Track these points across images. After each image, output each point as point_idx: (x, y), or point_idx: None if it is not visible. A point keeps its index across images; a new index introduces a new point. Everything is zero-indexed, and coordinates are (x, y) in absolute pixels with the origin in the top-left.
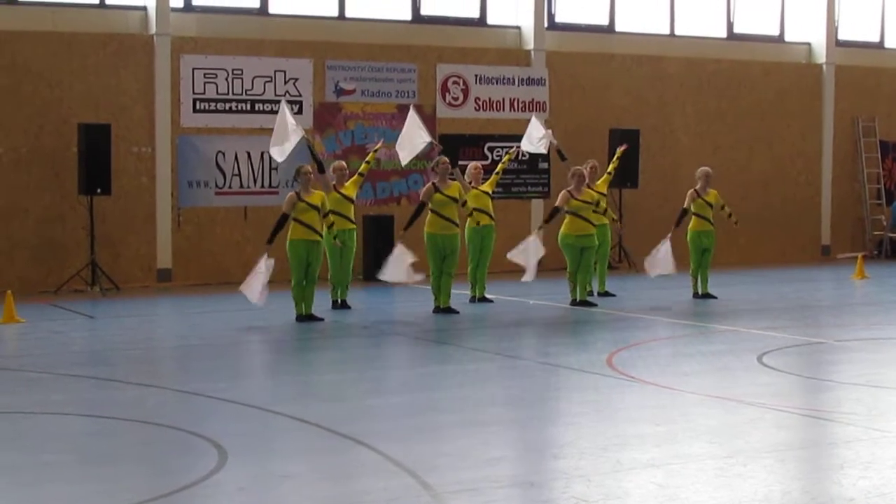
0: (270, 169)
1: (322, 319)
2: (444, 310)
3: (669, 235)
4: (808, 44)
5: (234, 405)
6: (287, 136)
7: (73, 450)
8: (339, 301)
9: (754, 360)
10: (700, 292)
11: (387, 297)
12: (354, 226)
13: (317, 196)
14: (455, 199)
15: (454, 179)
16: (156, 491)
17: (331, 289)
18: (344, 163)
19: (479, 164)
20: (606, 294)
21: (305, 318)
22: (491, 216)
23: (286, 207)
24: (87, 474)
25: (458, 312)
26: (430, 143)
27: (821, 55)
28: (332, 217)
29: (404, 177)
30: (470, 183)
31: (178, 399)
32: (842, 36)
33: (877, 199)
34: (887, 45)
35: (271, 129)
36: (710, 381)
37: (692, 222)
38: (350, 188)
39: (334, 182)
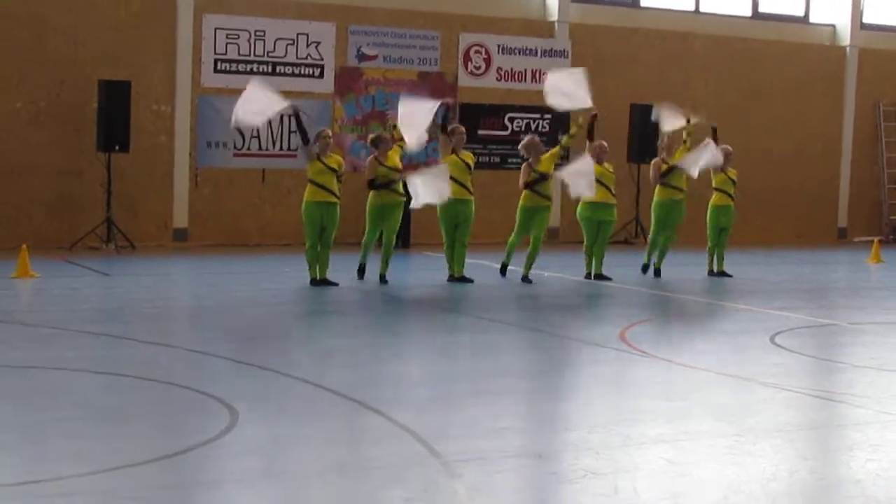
0: (290, 132)
1: (336, 284)
2: (458, 279)
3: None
4: (833, 26)
5: (246, 367)
6: (263, 109)
7: (83, 406)
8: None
9: (767, 339)
10: (716, 270)
11: (401, 264)
12: (337, 200)
13: (334, 160)
14: (468, 165)
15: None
16: (164, 450)
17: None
18: (329, 130)
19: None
20: (601, 276)
21: (320, 282)
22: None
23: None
24: (96, 431)
25: (472, 281)
26: (441, 107)
27: (845, 38)
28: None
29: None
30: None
31: (190, 359)
32: (867, 19)
33: (895, 184)
34: None
35: (292, 92)
36: (723, 359)
37: (713, 197)
38: (392, 157)
39: (317, 151)
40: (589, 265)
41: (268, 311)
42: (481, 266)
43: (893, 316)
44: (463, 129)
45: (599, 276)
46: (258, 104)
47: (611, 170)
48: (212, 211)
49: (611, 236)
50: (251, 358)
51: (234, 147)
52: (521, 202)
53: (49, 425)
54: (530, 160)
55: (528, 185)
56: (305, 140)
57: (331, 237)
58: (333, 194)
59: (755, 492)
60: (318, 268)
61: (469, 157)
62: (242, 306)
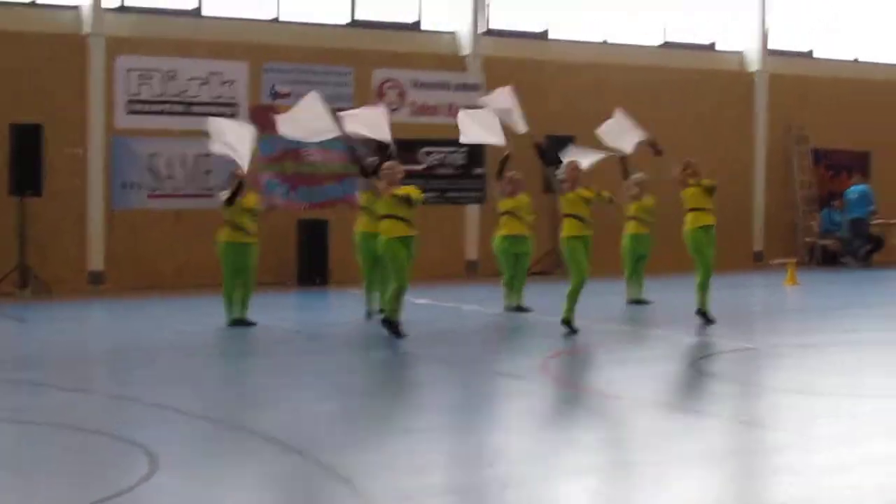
0: (204, 172)
1: (254, 324)
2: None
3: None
4: (741, 52)
5: (166, 411)
6: (313, 129)
7: None
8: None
9: (688, 366)
10: (635, 298)
11: (321, 302)
12: (253, 240)
13: (250, 198)
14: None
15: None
16: (82, 499)
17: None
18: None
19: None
20: (521, 308)
21: (238, 322)
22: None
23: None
24: (10, 483)
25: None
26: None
27: (753, 63)
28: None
29: (339, 181)
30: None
31: (109, 405)
32: (773, 45)
33: (808, 206)
34: (817, 54)
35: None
36: (645, 386)
37: (628, 225)
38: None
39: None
40: (507, 297)
41: (187, 353)
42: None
43: (812, 338)
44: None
45: (519, 308)
46: (308, 123)
47: (525, 202)
48: (128, 253)
49: (529, 268)
50: (171, 402)
51: (149, 188)
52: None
53: None
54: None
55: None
56: (364, 172)
57: (248, 277)
58: (250, 234)
59: None
60: (236, 308)
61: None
62: (161, 349)
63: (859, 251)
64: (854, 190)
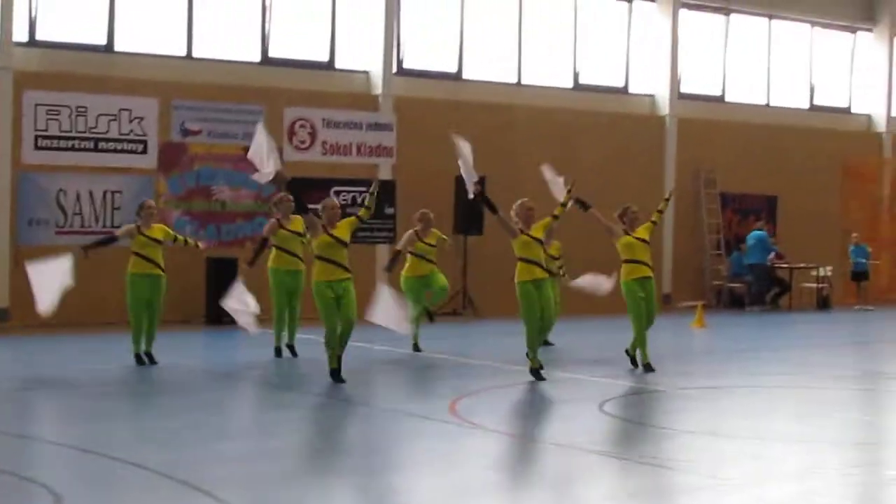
0: (112, 208)
1: (156, 363)
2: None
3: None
4: (652, 96)
5: (70, 450)
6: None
7: None
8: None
9: (595, 407)
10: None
11: (228, 341)
12: (162, 273)
13: (158, 230)
14: (300, 234)
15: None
16: None
17: (280, 334)
18: (152, 201)
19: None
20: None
21: (145, 356)
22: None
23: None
24: None
25: (296, 355)
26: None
27: (664, 107)
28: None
29: (249, 219)
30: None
31: (12, 444)
32: (684, 89)
33: (717, 250)
34: (728, 98)
35: (115, 168)
36: (552, 428)
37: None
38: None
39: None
40: (416, 337)
41: (93, 391)
42: (309, 340)
43: (719, 381)
44: (290, 197)
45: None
46: (260, 155)
47: (433, 242)
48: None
49: (435, 308)
50: (76, 441)
51: (57, 224)
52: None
53: None
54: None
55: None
56: (302, 210)
57: (156, 311)
58: (158, 266)
59: None
60: (143, 342)
61: (297, 225)
62: (66, 387)
63: (764, 297)
64: (752, 235)
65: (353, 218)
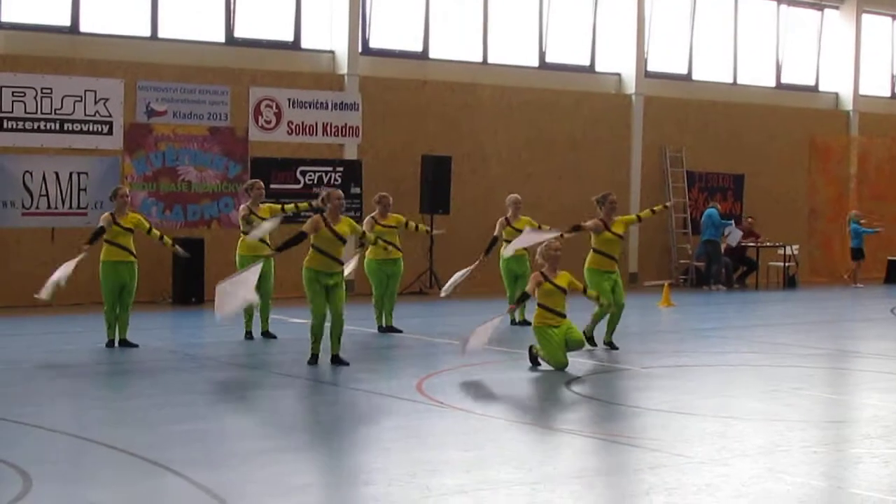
0: (79, 190)
1: (136, 346)
2: (253, 334)
3: (475, 265)
4: (619, 74)
5: (39, 430)
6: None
7: None
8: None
9: (562, 386)
10: (517, 320)
11: (196, 321)
12: (135, 259)
13: (131, 219)
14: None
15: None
16: None
17: (251, 318)
18: (126, 189)
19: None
20: (391, 329)
21: (120, 343)
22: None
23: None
24: None
25: (275, 337)
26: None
27: (630, 86)
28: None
29: (216, 200)
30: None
31: None
32: (651, 67)
33: (683, 228)
34: (695, 76)
35: (81, 150)
36: (519, 407)
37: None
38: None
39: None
40: (379, 318)
41: (61, 373)
42: (276, 321)
43: (685, 359)
44: (260, 183)
45: (390, 328)
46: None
47: (392, 224)
48: (1, 271)
49: (401, 288)
50: (44, 421)
51: (23, 206)
52: None
53: None
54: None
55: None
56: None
57: (129, 297)
58: (131, 253)
59: None
60: (117, 328)
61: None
62: (35, 369)
63: (720, 274)
64: (704, 213)
65: (356, 224)
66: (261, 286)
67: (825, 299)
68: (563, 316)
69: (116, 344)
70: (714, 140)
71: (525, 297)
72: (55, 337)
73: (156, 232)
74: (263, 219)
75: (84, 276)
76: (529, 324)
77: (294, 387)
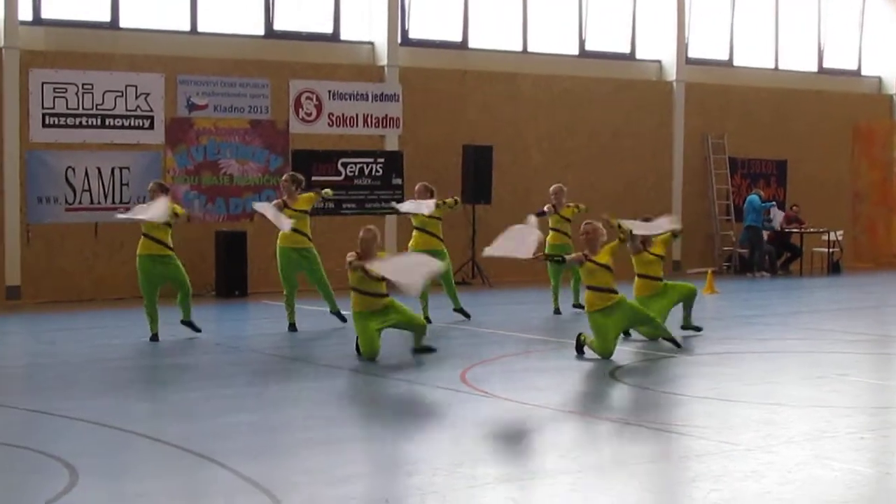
0: (121, 184)
1: (199, 330)
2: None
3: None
4: (659, 61)
5: (85, 424)
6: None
7: None
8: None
9: (607, 374)
10: (573, 303)
11: (239, 314)
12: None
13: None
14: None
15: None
16: None
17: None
18: (161, 182)
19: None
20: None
21: (183, 322)
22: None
23: None
24: None
25: (345, 321)
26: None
27: (671, 73)
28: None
29: (257, 192)
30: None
31: (27, 419)
32: (692, 54)
33: (726, 215)
34: (736, 62)
35: (122, 145)
36: (563, 395)
37: (550, 236)
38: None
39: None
40: (426, 308)
41: (106, 367)
42: (320, 312)
43: (730, 346)
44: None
45: (459, 311)
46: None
47: (438, 216)
48: (44, 267)
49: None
50: (90, 415)
51: (66, 201)
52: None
53: None
54: None
55: None
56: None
57: (181, 286)
58: (167, 247)
59: None
60: (158, 322)
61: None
62: (80, 363)
63: (764, 260)
64: (747, 199)
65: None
66: (312, 276)
67: (870, 285)
68: (614, 292)
69: (158, 338)
70: (756, 126)
71: (559, 259)
72: (99, 331)
73: (181, 211)
74: (297, 210)
75: (126, 271)
76: (583, 307)
77: (338, 377)
